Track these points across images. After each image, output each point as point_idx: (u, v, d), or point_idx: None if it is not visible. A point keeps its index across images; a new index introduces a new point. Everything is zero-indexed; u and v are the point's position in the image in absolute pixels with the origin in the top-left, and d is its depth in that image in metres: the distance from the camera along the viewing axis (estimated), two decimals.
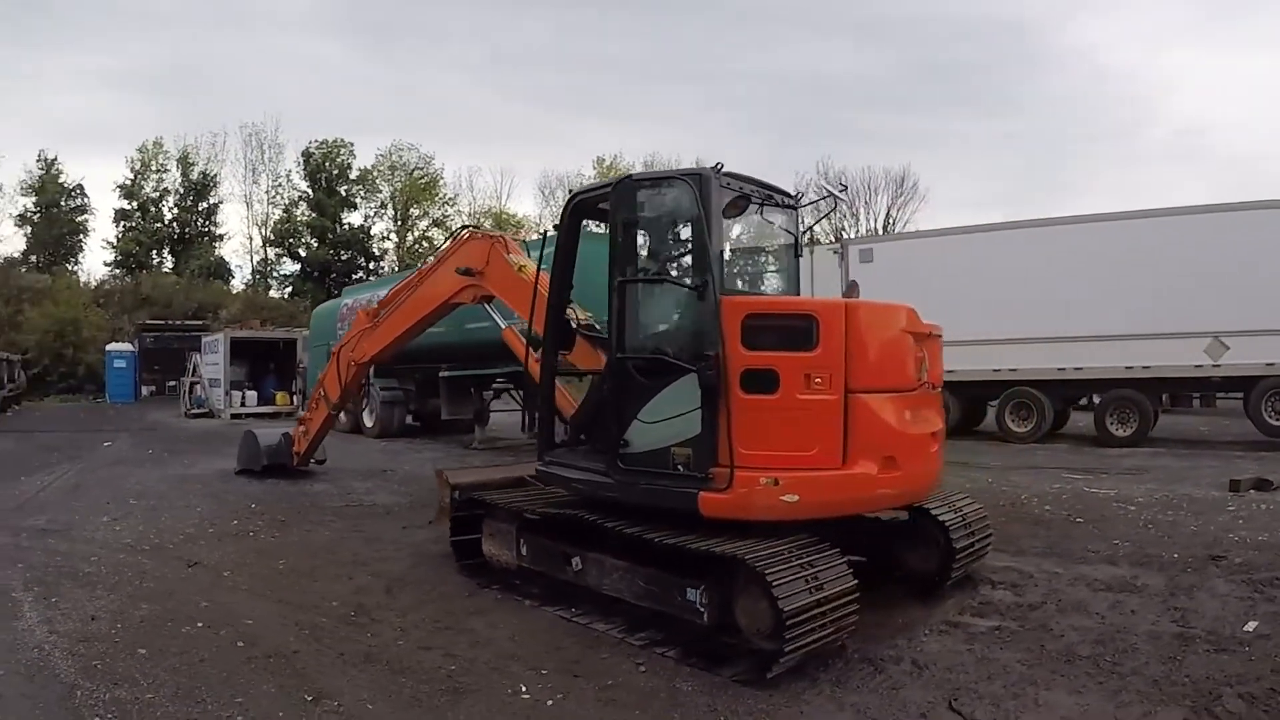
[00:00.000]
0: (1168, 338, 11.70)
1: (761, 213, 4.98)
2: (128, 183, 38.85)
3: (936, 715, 3.33)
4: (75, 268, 37.75)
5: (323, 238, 41.15)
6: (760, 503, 3.89)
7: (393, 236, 44.09)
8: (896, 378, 4.21)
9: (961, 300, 13.00)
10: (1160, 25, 54.66)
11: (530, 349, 5.37)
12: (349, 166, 42.42)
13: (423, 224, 44.50)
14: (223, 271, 39.99)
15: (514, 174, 62.69)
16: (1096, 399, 13.06)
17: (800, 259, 5.30)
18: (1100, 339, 12.10)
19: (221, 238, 41.30)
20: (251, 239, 41.91)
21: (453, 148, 60.37)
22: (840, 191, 4.80)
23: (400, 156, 43.61)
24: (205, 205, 40.53)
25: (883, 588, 4.94)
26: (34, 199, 37.49)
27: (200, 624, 4.43)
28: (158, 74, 53.33)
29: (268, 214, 41.79)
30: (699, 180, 4.14)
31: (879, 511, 4.91)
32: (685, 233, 4.45)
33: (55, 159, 38.00)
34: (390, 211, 44.02)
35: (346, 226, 42.02)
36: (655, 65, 61.80)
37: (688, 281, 4.25)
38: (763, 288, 5.50)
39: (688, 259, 4.50)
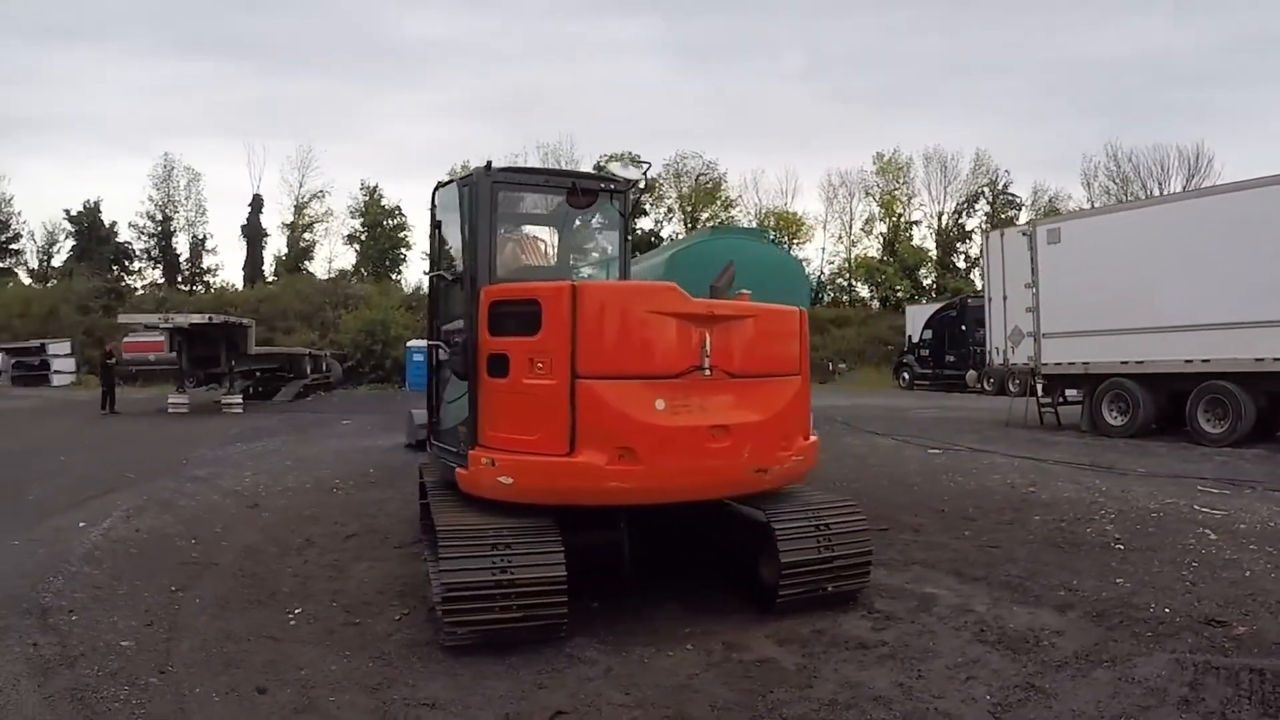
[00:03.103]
0: None
1: (612, 200, 5.48)
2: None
3: (520, 713, 3.44)
4: (397, 278, 48.03)
5: None
6: (484, 482, 4.40)
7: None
8: (645, 363, 4.27)
9: (1154, 282, 11.41)
10: None
11: None
12: None
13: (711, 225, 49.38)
14: None
15: (797, 173, 65.86)
16: None
17: (630, 240, 5.63)
18: None
19: None
20: None
21: (737, 150, 63.79)
22: (645, 171, 5.14)
23: (684, 164, 49.80)
24: None
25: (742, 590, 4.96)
26: (360, 221, 49.02)
27: (193, 540, 6.34)
28: (465, 103, 65.70)
29: None
30: (467, 181, 4.93)
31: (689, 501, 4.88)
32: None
33: (376, 186, 49.76)
34: (679, 215, 49.62)
35: (639, 230, 47.19)
36: (944, 59, 62.96)
37: (448, 275, 5.04)
38: (594, 274, 5.88)
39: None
